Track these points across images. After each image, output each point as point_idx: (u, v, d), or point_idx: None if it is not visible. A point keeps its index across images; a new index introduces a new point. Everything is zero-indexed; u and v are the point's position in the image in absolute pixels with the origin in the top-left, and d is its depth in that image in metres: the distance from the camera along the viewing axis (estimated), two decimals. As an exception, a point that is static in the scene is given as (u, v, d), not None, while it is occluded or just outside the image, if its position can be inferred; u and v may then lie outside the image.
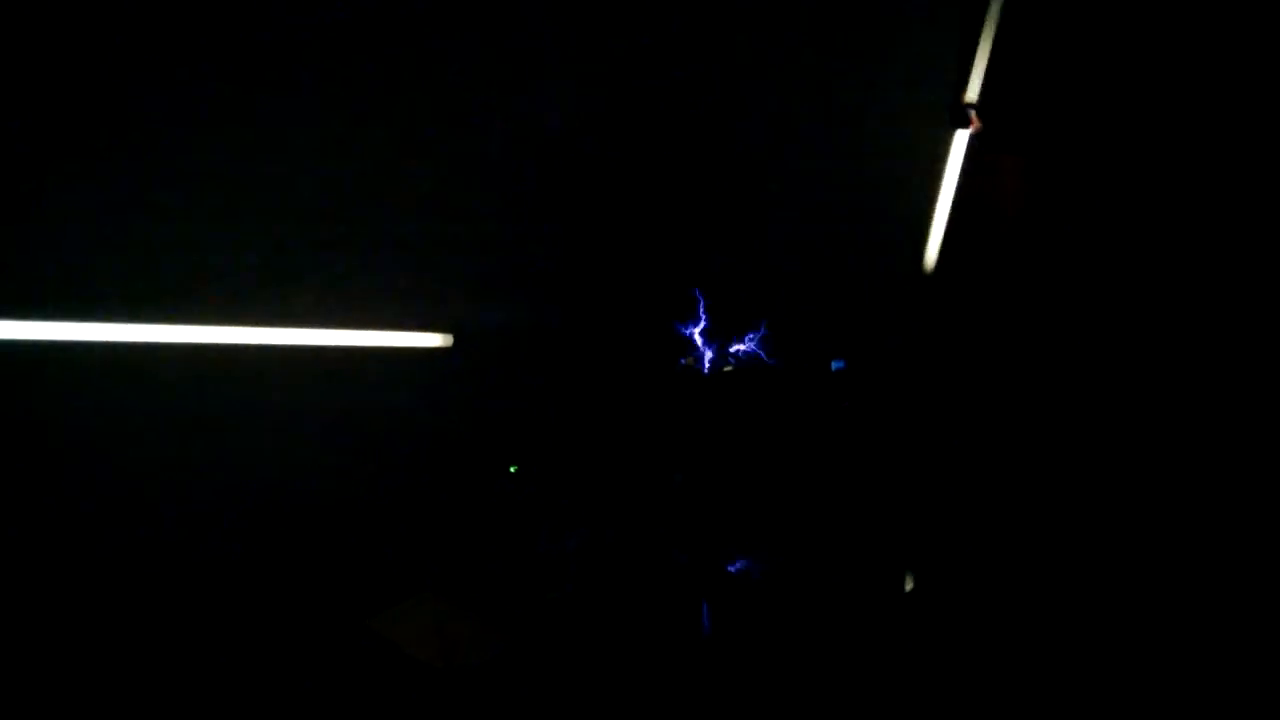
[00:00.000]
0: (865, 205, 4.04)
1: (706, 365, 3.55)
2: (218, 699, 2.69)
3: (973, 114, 3.46)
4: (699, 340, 3.57)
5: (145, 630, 2.92)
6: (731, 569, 3.24)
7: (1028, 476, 3.47)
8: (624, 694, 2.75)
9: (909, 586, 3.15)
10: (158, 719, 2.63)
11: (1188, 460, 3.09)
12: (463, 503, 3.69)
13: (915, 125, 3.74)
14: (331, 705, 2.69)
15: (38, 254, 2.78)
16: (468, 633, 3.01)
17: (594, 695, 2.74)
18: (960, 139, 3.63)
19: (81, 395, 2.90)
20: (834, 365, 4.05)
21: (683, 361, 3.55)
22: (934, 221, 3.82)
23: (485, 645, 2.94)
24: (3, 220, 2.70)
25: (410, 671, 2.82)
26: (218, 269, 3.13)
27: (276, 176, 3.24)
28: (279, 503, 3.46)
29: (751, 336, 3.59)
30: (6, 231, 2.72)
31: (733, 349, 3.58)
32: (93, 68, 2.72)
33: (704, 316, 3.56)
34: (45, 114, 2.66)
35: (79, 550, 2.94)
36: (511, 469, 3.84)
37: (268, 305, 3.25)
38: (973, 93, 3.48)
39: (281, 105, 3.20)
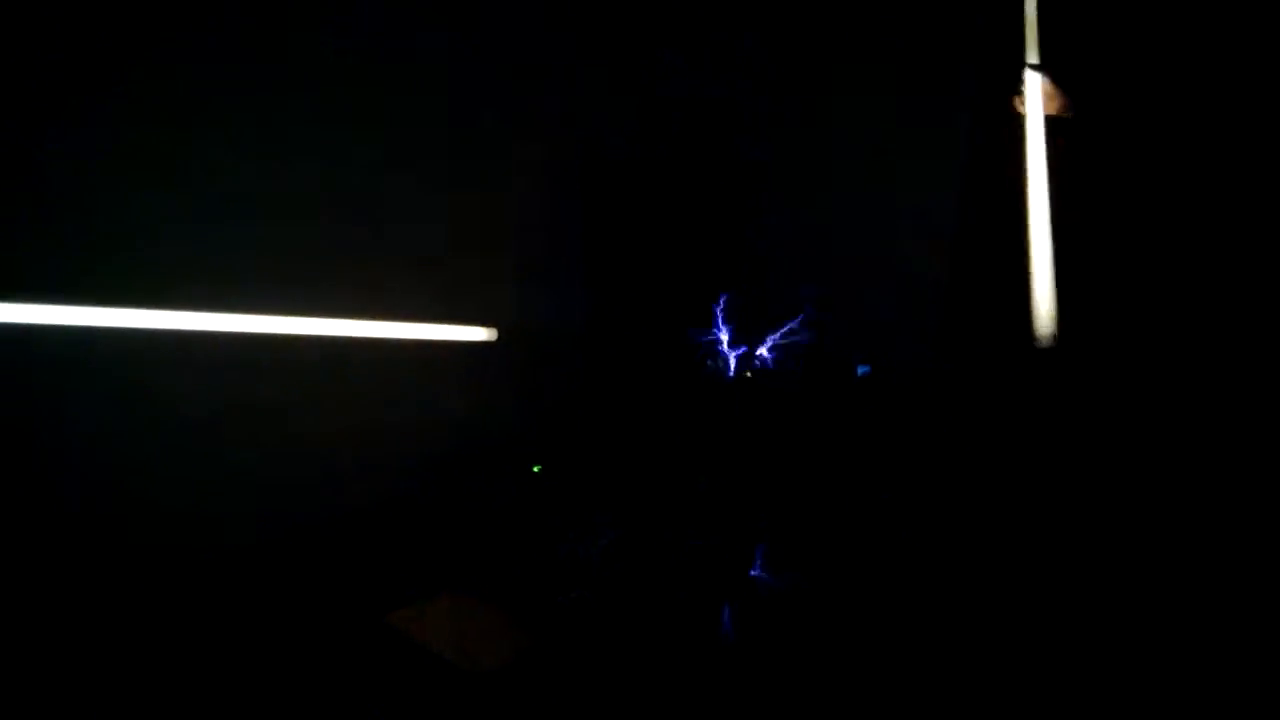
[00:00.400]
0: (894, 213, 4.01)
1: (731, 370, 3.54)
2: (240, 690, 2.71)
3: (1046, 82, 2.59)
4: (724, 344, 3.56)
5: (171, 622, 2.95)
6: (753, 573, 3.24)
7: (1052, 487, 3.42)
8: (644, 696, 2.75)
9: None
10: (179, 713, 2.66)
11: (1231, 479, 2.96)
12: (487, 502, 3.70)
13: (943, 124, 3.65)
14: (352, 700, 2.70)
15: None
16: (489, 631, 3.03)
17: (613, 696, 2.74)
18: (1035, 125, 2.86)
19: (120, 383, 2.94)
20: (859, 370, 4.03)
21: (709, 365, 3.54)
22: (1034, 254, 3.37)
23: (507, 644, 2.95)
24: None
25: (431, 669, 2.83)
26: (266, 264, 3.18)
27: (318, 174, 3.29)
28: (310, 496, 3.48)
29: (776, 341, 3.58)
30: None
31: (757, 353, 3.56)
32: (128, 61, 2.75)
33: (729, 321, 3.56)
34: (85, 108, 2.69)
35: (102, 544, 2.97)
36: (535, 469, 3.85)
37: (308, 298, 3.28)
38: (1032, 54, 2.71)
39: (328, 109, 3.26)
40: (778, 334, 3.58)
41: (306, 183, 3.28)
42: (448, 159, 3.66)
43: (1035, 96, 2.64)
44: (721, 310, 3.56)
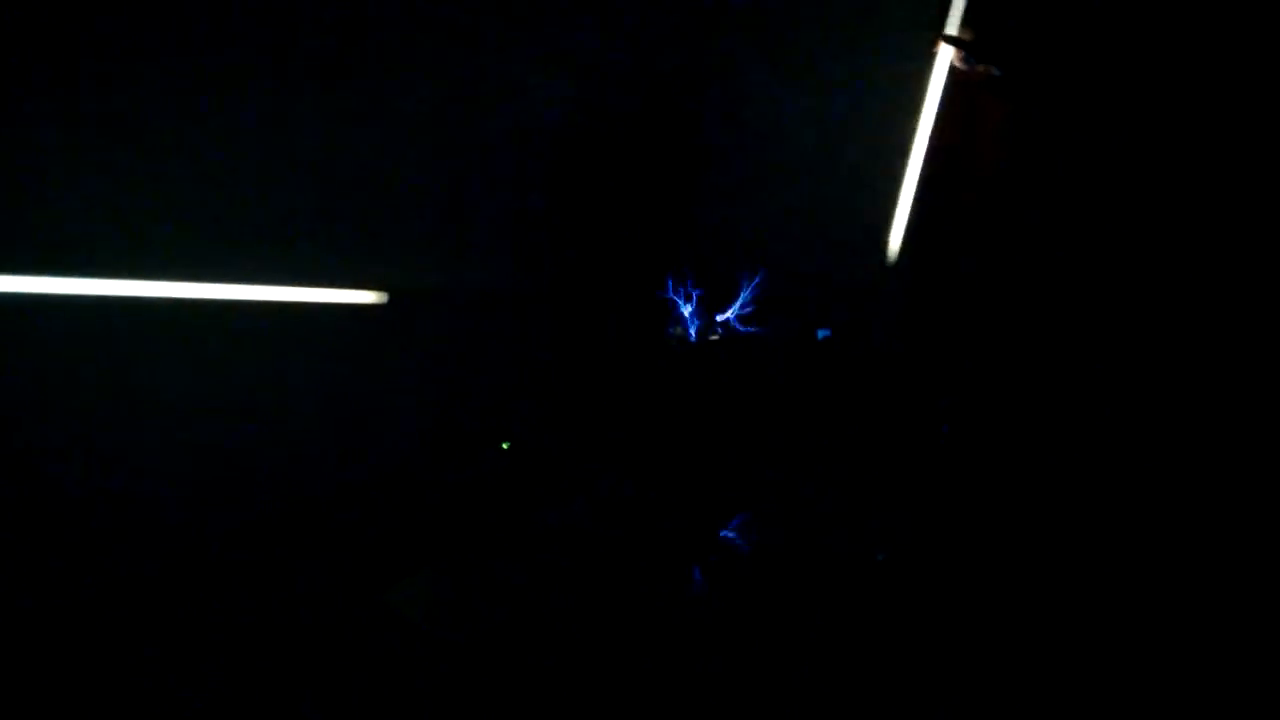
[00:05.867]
0: (852, 170, 4.05)
1: (693, 334, 3.59)
2: (217, 687, 2.70)
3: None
4: (686, 309, 3.61)
5: (145, 625, 2.93)
6: (726, 534, 3.29)
7: (1019, 459, 3.47)
8: (623, 662, 2.80)
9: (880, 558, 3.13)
10: (165, 709, 2.65)
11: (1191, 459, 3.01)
12: (461, 475, 3.73)
13: (899, 85, 3.68)
14: (337, 680, 2.72)
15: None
16: (470, 602, 3.06)
17: (595, 664, 2.79)
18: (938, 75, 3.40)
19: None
20: (820, 334, 4.11)
21: (670, 331, 3.59)
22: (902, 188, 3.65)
23: (488, 615, 2.98)
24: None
25: (415, 643, 2.86)
26: (136, 223, 2.98)
27: (201, 131, 3.09)
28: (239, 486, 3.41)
29: (738, 305, 3.63)
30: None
31: (720, 317, 3.62)
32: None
33: (691, 286, 3.60)
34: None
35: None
36: (504, 445, 3.88)
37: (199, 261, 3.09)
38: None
39: (211, 72, 3.08)
40: (737, 302, 3.63)
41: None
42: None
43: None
44: (684, 274, 3.60)
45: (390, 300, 3.65)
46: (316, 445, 3.55)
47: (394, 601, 3.02)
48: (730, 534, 3.28)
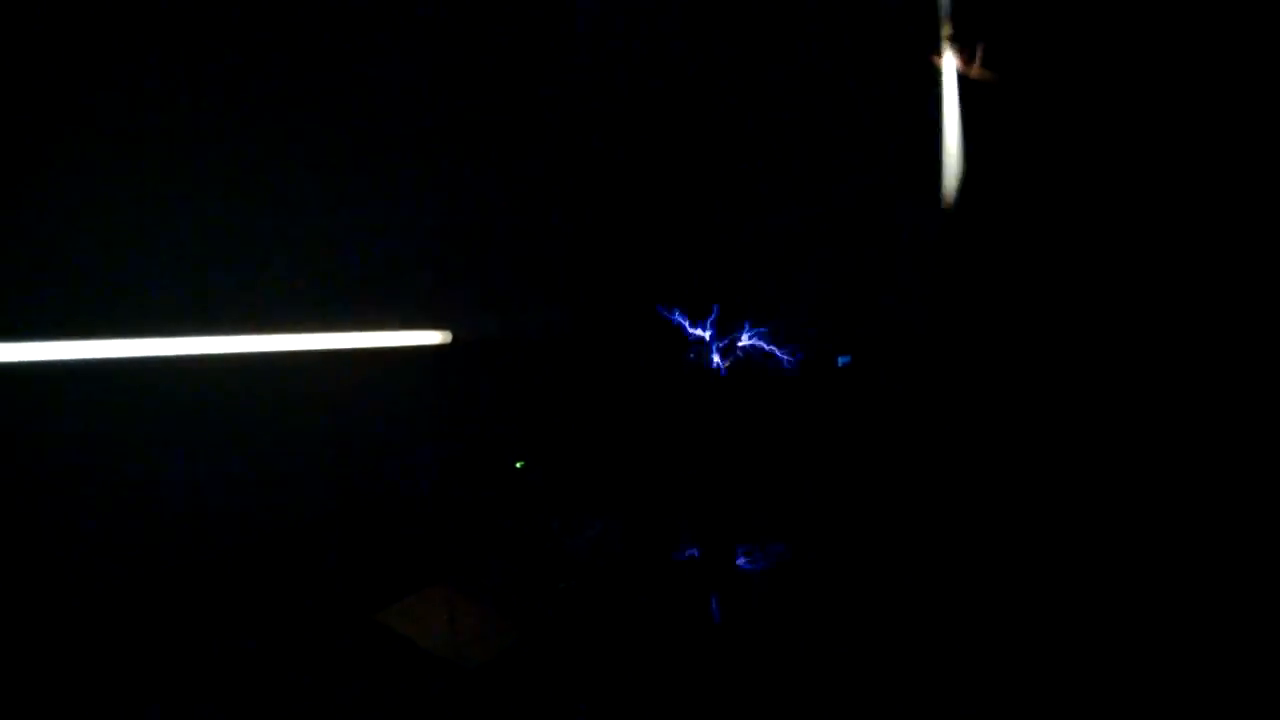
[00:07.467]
0: (870, 199, 4.02)
1: (714, 360, 3.55)
2: (230, 695, 2.68)
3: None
4: (706, 335, 3.57)
5: (156, 630, 2.92)
6: (740, 562, 3.24)
7: (1036, 473, 3.44)
8: (634, 685, 2.75)
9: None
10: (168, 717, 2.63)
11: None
12: (474, 496, 3.70)
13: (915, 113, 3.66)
14: (343, 702, 2.69)
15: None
16: (478, 625, 3.01)
17: (604, 686, 2.74)
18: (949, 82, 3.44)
19: (77, 410, 2.91)
20: (840, 360, 4.05)
21: (690, 356, 3.55)
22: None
23: (496, 638, 2.94)
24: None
25: (423, 665, 2.82)
26: (205, 278, 3.13)
27: (261, 174, 3.24)
28: (282, 504, 3.45)
29: (758, 331, 3.59)
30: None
31: (740, 343, 3.57)
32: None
33: (712, 312, 3.56)
34: None
35: (86, 553, 2.94)
36: (518, 465, 3.84)
37: (256, 311, 3.25)
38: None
39: (265, 102, 3.20)
40: (760, 327, 3.59)
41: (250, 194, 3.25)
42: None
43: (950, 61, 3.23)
44: (704, 301, 3.57)
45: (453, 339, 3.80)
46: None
47: (400, 623, 2.98)
48: (745, 561, 3.23)
